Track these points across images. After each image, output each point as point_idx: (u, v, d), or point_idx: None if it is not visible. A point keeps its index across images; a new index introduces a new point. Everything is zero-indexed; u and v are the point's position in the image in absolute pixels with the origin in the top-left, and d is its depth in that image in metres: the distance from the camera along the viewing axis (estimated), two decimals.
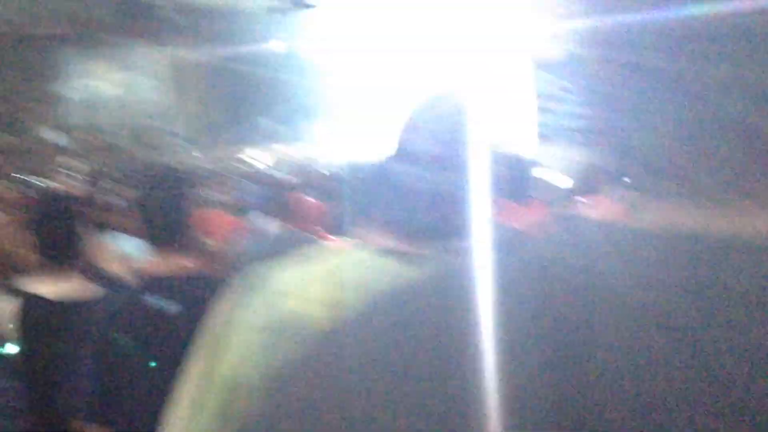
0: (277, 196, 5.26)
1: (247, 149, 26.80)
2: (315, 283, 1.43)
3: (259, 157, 22.75)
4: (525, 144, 12.86)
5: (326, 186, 9.82)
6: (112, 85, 32.46)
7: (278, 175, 8.68)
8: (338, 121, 32.16)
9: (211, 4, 29.60)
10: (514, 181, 3.81)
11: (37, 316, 3.05)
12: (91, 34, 30.00)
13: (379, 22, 30.75)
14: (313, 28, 31.35)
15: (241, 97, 32.91)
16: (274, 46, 32.42)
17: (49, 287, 3.12)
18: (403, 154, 1.74)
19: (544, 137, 13.47)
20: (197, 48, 30.93)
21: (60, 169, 13.50)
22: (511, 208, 3.04)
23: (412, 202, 1.49)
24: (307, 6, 28.44)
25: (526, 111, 14.54)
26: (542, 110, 14.12)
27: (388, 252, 1.40)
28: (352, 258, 1.49)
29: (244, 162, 20.54)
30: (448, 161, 1.61)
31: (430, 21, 28.25)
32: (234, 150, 26.63)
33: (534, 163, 4.97)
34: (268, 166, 17.96)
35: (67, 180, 11.57)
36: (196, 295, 2.50)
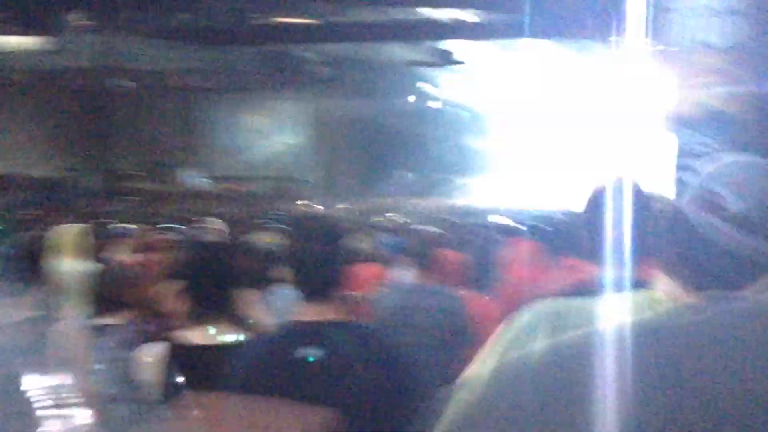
0: (421, 249, 5.49)
1: (391, 201, 27.01)
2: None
3: (404, 210, 22.80)
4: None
5: (468, 239, 10.42)
6: (259, 136, 33.61)
7: (423, 228, 8.72)
8: (483, 176, 32.93)
9: (358, 57, 29.55)
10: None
11: (183, 362, 3.19)
12: (239, 86, 30.92)
13: (523, 83, 30.52)
14: (462, 84, 31.94)
15: (386, 149, 33.66)
16: (420, 100, 32.88)
17: (196, 334, 3.32)
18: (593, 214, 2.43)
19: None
20: (343, 100, 31.36)
21: (210, 217, 13.83)
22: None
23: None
24: (457, 62, 28.43)
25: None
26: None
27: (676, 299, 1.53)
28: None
29: (389, 214, 20.10)
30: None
31: (573, 85, 28.06)
32: (379, 202, 26.74)
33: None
34: (413, 219, 17.59)
35: (216, 228, 11.89)
36: (342, 343, 2.70)
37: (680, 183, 5.16)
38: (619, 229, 2.36)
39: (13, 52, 25.08)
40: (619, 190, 2.50)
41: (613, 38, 20.11)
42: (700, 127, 14.21)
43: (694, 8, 14.38)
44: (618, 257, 2.30)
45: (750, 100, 14.56)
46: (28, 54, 25.25)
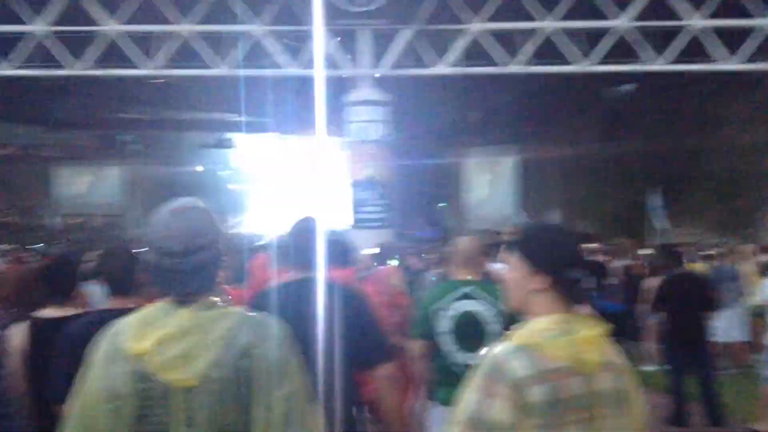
0: None
1: None
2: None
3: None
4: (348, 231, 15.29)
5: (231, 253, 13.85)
6: (92, 189, 33.37)
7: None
8: (244, 217, 34.94)
9: (164, 139, 33.16)
10: (342, 254, 3.84)
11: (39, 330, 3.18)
12: (79, 156, 32.43)
13: (268, 158, 35.38)
14: (231, 157, 35.47)
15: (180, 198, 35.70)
16: (205, 168, 35.31)
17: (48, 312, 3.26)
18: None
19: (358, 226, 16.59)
20: (151, 168, 33.06)
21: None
22: (338, 270, 3.12)
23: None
24: (229, 146, 32.86)
25: (349, 211, 17.34)
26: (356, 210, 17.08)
27: None
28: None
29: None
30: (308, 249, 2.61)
31: (295, 160, 33.14)
32: None
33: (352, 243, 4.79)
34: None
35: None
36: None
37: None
38: (306, 247, 2.72)
39: None
40: (307, 224, 2.84)
41: (316, 134, 20.98)
42: (364, 186, 17.13)
43: (360, 119, 16.69)
44: (307, 265, 2.69)
45: (390, 170, 17.67)
46: None
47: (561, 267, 1.85)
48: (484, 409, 1.72)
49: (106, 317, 2.76)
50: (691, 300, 6.52)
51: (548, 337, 1.78)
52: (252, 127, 29.96)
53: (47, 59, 16.60)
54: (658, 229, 14.72)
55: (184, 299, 1.76)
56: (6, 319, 3.57)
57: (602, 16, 16.17)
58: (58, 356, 2.87)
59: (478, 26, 16.32)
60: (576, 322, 1.83)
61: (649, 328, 8.96)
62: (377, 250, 8.56)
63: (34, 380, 3.19)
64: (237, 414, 1.69)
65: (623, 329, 10.28)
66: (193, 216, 1.81)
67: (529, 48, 16.29)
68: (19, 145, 30.65)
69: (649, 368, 9.10)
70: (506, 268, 1.96)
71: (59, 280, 3.41)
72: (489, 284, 3.59)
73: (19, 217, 30.97)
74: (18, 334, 3.25)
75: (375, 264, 6.25)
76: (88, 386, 1.74)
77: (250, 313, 1.80)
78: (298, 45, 17.04)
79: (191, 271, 1.74)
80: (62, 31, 16.43)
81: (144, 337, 1.72)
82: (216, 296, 1.81)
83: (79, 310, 3.35)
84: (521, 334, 1.82)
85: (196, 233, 1.76)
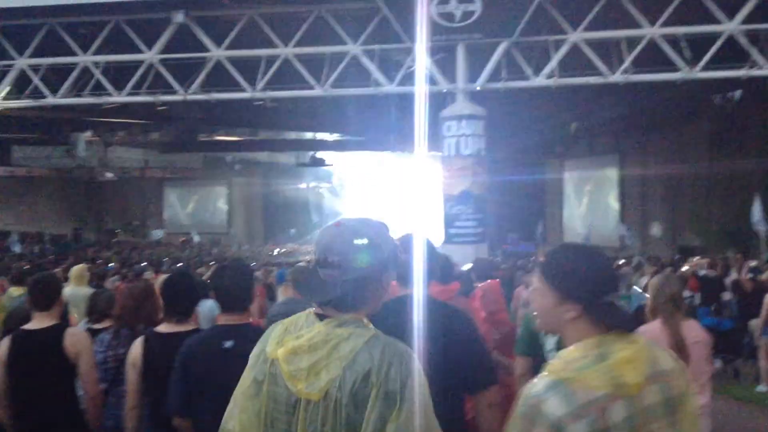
0: (300, 276, 5.06)
1: (283, 247, 30.74)
2: None
3: (290, 252, 27.06)
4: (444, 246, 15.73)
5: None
6: (200, 207, 35.03)
7: (300, 262, 9.18)
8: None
9: (263, 160, 34.34)
10: (443, 270, 3.81)
11: (157, 345, 3.28)
12: (187, 177, 33.81)
13: (365, 176, 37.51)
14: (326, 176, 37.73)
15: (280, 215, 35.73)
16: (302, 185, 37.43)
17: (164, 327, 3.40)
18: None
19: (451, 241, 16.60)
20: (254, 187, 34.88)
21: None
22: (438, 286, 3.13)
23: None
24: (324, 164, 33.09)
25: (442, 226, 17.28)
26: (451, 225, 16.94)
27: None
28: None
29: (281, 254, 24.47)
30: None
31: (393, 177, 34.24)
32: (276, 247, 30.38)
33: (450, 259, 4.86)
34: (296, 257, 21.20)
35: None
36: (246, 337, 2.53)
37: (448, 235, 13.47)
38: (406, 264, 2.64)
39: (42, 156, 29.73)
40: (406, 240, 2.74)
41: (413, 150, 24.05)
42: (458, 201, 16.93)
43: (453, 134, 16.45)
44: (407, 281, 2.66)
45: (484, 185, 17.28)
46: (51, 157, 29.77)
47: (590, 294, 1.77)
48: None
49: (218, 333, 3.00)
50: None
51: (582, 367, 1.71)
52: (348, 145, 30.51)
53: (158, 86, 17.54)
54: (762, 239, 14.04)
55: (323, 312, 1.81)
56: (122, 335, 3.75)
57: (708, 21, 15.59)
58: (174, 371, 2.97)
59: (576, 35, 16.06)
60: (612, 344, 1.75)
61: (764, 346, 8.58)
62: (470, 265, 8.27)
63: (150, 394, 3.30)
64: None
65: (735, 347, 9.92)
66: (351, 231, 1.82)
67: (630, 56, 15.84)
68: (135, 167, 32.31)
69: (762, 388, 8.74)
70: (535, 292, 1.89)
71: (179, 297, 3.48)
72: None
73: (131, 236, 32.58)
74: (134, 350, 3.38)
75: (474, 279, 6.04)
76: (243, 379, 1.86)
77: (381, 337, 1.77)
78: (392, 63, 17.32)
79: (333, 283, 1.76)
80: (171, 59, 17.30)
81: (282, 343, 1.79)
82: (362, 313, 1.82)
83: (194, 326, 3.47)
84: (555, 366, 1.76)
85: (335, 250, 1.77)
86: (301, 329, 1.79)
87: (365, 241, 1.80)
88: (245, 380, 1.84)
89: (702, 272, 11.54)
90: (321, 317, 1.80)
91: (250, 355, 1.89)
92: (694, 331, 3.86)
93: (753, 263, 11.72)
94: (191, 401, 2.94)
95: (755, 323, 9.20)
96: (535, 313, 1.89)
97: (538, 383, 1.74)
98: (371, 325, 1.81)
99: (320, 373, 1.71)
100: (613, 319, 1.78)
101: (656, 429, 1.72)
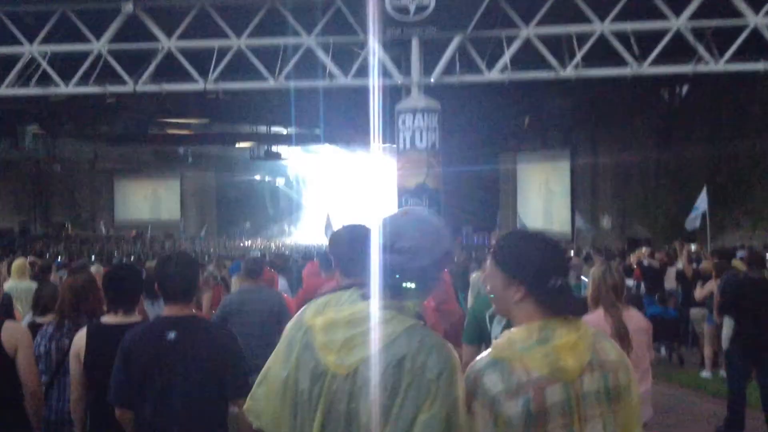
0: (252, 267, 5.70)
1: (235, 241, 30.71)
2: None
3: (241, 246, 26.88)
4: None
5: (282, 261, 12.10)
6: (150, 200, 34.19)
7: (252, 255, 9.05)
8: (291, 224, 37.95)
9: (216, 153, 33.73)
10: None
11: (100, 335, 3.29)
12: (137, 170, 33.26)
13: (317, 170, 37.03)
14: (281, 169, 36.90)
15: (233, 209, 35.44)
16: (255, 179, 36.92)
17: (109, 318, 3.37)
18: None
19: None
20: (207, 180, 34.48)
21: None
22: None
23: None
24: (279, 158, 33.18)
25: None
26: None
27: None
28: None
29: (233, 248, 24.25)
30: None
31: (345, 170, 34.13)
32: (228, 241, 30.35)
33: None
34: (247, 251, 20.81)
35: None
36: (191, 330, 2.87)
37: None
38: (354, 255, 2.48)
39: None
40: (354, 231, 2.73)
41: (367, 143, 23.48)
42: (413, 194, 17.06)
43: (408, 127, 16.58)
44: (354, 272, 2.48)
45: (439, 177, 17.41)
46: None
47: (535, 276, 1.81)
48: (467, 423, 1.70)
49: (161, 325, 3.01)
50: (759, 304, 6.36)
51: (523, 348, 1.75)
52: (303, 139, 30.39)
53: (107, 77, 17.19)
54: (688, 229, 14.52)
55: (366, 293, 1.79)
56: (65, 327, 3.74)
57: (655, 17, 15.92)
58: (116, 361, 2.98)
59: (528, 30, 16.29)
60: (556, 328, 1.78)
61: (707, 333, 8.89)
62: None
63: (94, 386, 3.29)
64: (374, 419, 1.68)
65: (679, 334, 10.22)
66: (420, 221, 1.82)
67: (581, 52, 16.12)
68: (84, 159, 31.64)
69: (706, 374, 9.04)
70: (487, 274, 1.95)
71: (122, 289, 3.49)
72: None
73: (80, 229, 31.82)
74: (78, 341, 3.38)
75: None
76: (278, 345, 1.85)
77: (422, 327, 1.75)
78: (345, 56, 17.30)
79: (384, 267, 1.76)
80: (120, 49, 16.96)
81: (321, 314, 1.79)
82: (415, 301, 1.79)
83: (138, 318, 3.47)
84: (498, 346, 1.80)
85: (406, 236, 1.77)
86: (344, 303, 1.79)
87: (434, 231, 1.80)
88: (279, 346, 1.83)
89: (646, 262, 11.83)
90: (365, 297, 1.78)
91: (288, 324, 1.86)
92: (635, 319, 3.98)
93: (692, 246, 12.02)
94: (132, 392, 2.93)
95: (696, 311, 9.48)
96: (491, 296, 1.93)
97: (481, 360, 1.78)
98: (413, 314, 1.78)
99: (353, 349, 1.70)
100: (557, 302, 1.81)
101: (593, 416, 1.75)
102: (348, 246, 2.76)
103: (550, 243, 1.92)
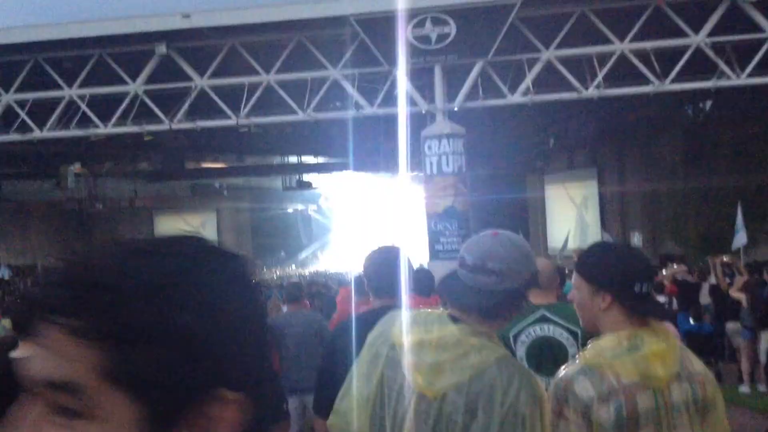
0: (291, 293, 6.18)
1: (272, 270, 31.11)
2: None
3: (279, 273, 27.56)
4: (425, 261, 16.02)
5: (317, 288, 12.86)
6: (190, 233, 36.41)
7: (290, 282, 9.08)
8: (325, 252, 38.08)
9: (250, 185, 34.46)
10: (424, 284, 4.26)
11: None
12: (175, 205, 33.94)
13: (349, 197, 37.18)
14: (313, 198, 37.08)
15: (269, 238, 35.78)
16: (289, 208, 37.49)
17: None
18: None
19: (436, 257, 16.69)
20: (242, 212, 34.86)
21: None
22: (419, 299, 3.25)
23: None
24: (310, 187, 32.86)
25: (426, 243, 17.48)
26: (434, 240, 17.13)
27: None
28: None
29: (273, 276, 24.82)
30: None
31: (375, 196, 34.36)
32: (265, 270, 30.51)
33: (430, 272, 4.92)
34: (286, 278, 21.30)
35: None
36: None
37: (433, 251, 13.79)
38: (386, 277, 2.70)
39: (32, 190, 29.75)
40: (387, 254, 2.82)
41: (395, 170, 23.48)
42: (441, 218, 16.96)
43: (434, 152, 16.46)
44: (387, 294, 2.67)
45: (467, 203, 17.34)
46: (41, 190, 29.78)
47: (619, 283, 1.82)
48: (556, 430, 1.70)
49: None
50: None
51: (614, 356, 1.75)
52: (332, 167, 30.55)
53: (144, 116, 17.55)
54: (735, 248, 14.14)
55: (458, 316, 1.77)
56: None
57: (675, 35, 15.79)
58: None
59: (549, 53, 16.24)
60: (644, 337, 1.79)
61: (743, 347, 8.67)
62: None
63: None
64: None
65: (716, 349, 9.96)
66: (510, 242, 1.78)
67: (602, 72, 16.05)
68: (124, 197, 32.18)
69: (744, 389, 8.79)
70: (574, 289, 1.95)
71: None
72: (564, 307, 3.48)
73: None
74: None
75: None
76: (360, 358, 1.83)
77: (511, 358, 1.74)
78: (369, 86, 17.43)
79: (473, 288, 1.73)
80: (155, 89, 17.31)
81: (409, 332, 1.76)
82: (496, 325, 1.78)
83: None
84: (588, 354, 1.81)
85: (496, 257, 1.73)
86: (432, 325, 1.75)
87: (523, 252, 1.78)
88: (362, 360, 1.82)
89: (680, 277, 11.62)
90: (455, 320, 1.76)
91: (369, 336, 1.85)
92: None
93: (726, 257, 11.78)
94: None
95: (732, 326, 9.26)
96: (577, 309, 1.95)
97: (571, 369, 1.80)
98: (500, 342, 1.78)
99: (443, 373, 1.67)
100: (643, 307, 1.82)
101: (682, 425, 1.74)
102: (379, 267, 2.78)
103: (632, 251, 1.99)
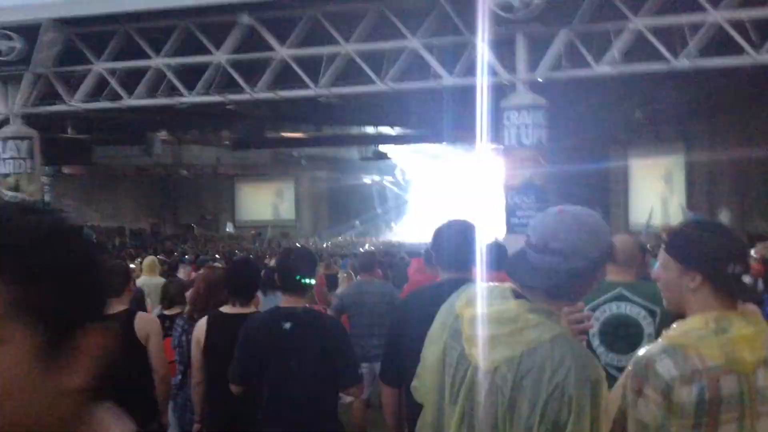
0: (364, 262, 6.45)
1: (347, 238, 31.66)
2: None
3: (355, 243, 27.44)
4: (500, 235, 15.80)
5: (390, 257, 12.34)
6: (268, 201, 35.60)
7: (363, 251, 9.58)
8: (399, 223, 38.56)
9: (328, 155, 34.79)
10: (497, 257, 3.63)
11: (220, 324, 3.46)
12: (255, 173, 34.44)
13: (425, 169, 37.38)
14: (389, 169, 37.52)
15: (344, 208, 36.44)
16: (364, 179, 37.56)
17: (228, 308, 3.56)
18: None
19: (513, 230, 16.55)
20: (318, 181, 35.48)
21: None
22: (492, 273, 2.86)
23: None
24: (386, 158, 33.70)
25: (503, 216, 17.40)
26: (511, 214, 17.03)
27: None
28: None
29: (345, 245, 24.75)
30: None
31: (453, 168, 34.14)
32: (340, 239, 31.16)
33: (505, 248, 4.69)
34: (360, 247, 21.55)
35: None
36: (306, 320, 3.00)
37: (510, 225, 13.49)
38: (458, 249, 2.71)
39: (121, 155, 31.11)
40: (459, 227, 2.83)
41: (473, 141, 22.36)
42: (519, 191, 16.90)
43: (513, 124, 16.34)
44: (459, 266, 2.65)
45: (546, 175, 17.14)
46: (130, 156, 31.05)
47: (711, 263, 1.76)
48: (634, 408, 1.69)
49: (278, 315, 3.15)
50: None
51: (700, 336, 1.71)
52: (409, 138, 30.53)
53: (227, 86, 17.93)
54: None
55: (523, 292, 1.75)
56: (195, 320, 3.95)
57: None
58: (238, 345, 3.16)
59: (637, 22, 15.59)
60: (733, 320, 1.74)
61: None
62: None
63: (210, 369, 3.50)
64: (505, 424, 1.66)
65: None
66: (575, 220, 1.73)
67: (695, 41, 15.28)
68: (207, 164, 33.13)
69: None
70: (661, 268, 1.90)
71: (241, 283, 3.69)
72: (644, 285, 3.39)
73: (205, 229, 33.24)
74: (199, 328, 3.61)
75: None
76: (433, 324, 1.89)
77: (569, 338, 1.70)
78: (449, 56, 17.20)
79: (534, 268, 1.70)
80: (238, 59, 17.62)
81: (472, 304, 1.79)
82: (562, 304, 1.75)
83: (254, 309, 3.69)
84: (672, 334, 1.77)
85: (559, 236, 1.69)
86: (494, 299, 1.76)
87: (590, 230, 1.73)
88: (433, 327, 1.88)
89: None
90: (517, 295, 1.74)
91: (441, 307, 1.90)
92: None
93: None
94: (251, 375, 3.13)
95: None
96: (661, 288, 1.92)
97: (654, 347, 1.77)
98: (562, 321, 1.75)
99: (497, 347, 1.68)
100: (735, 288, 1.78)
101: (765, 413, 1.70)
102: (449, 241, 2.79)
103: (725, 230, 1.91)
